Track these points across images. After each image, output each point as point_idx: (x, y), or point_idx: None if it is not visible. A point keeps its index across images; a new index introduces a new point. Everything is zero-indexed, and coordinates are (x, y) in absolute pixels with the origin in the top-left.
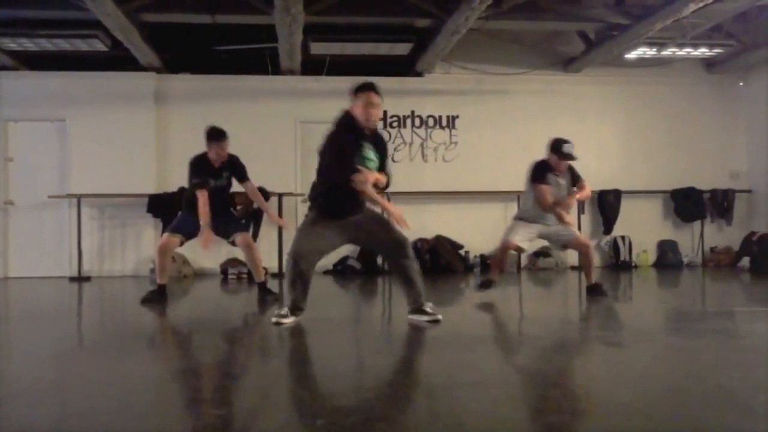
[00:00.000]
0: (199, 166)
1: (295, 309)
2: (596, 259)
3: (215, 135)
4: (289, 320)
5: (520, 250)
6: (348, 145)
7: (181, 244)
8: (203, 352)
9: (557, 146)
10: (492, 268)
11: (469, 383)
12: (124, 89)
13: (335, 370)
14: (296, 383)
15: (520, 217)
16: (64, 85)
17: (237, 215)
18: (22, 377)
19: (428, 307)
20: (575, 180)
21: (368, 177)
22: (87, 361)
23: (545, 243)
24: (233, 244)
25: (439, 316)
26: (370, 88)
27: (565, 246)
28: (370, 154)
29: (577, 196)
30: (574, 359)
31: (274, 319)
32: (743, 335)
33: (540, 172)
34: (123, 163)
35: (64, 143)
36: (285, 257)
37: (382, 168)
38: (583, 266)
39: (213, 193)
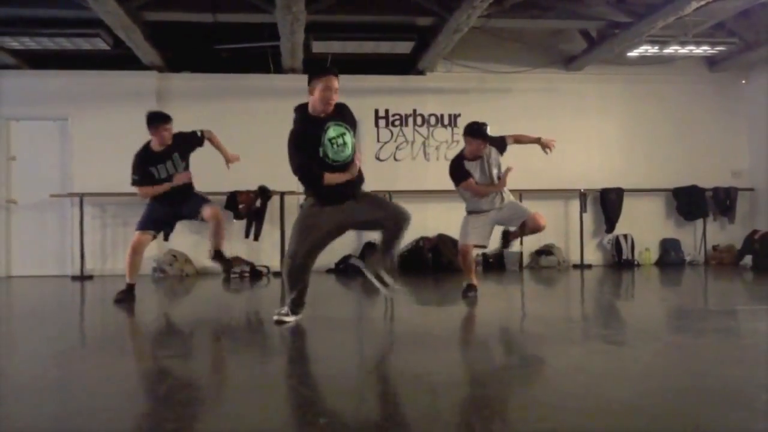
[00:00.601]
0: (140, 160)
1: (296, 307)
2: (599, 258)
3: (153, 119)
4: (290, 319)
5: (482, 247)
6: (303, 148)
7: (153, 238)
8: (204, 351)
9: (465, 130)
10: (465, 275)
11: (471, 382)
12: (126, 88)
13: (338, 369)
14: (298, 382)
15: (469, 211)
16: (66, 83)
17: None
18: (23, 375)
19: (387, 279)
20: (502, 146)
21: (333, 179)
22: (88, 359)
23: (505, 228)
24: (203, 220)
25: (390, 294)
26: (328, 71)
27: (524, 225)
28: (336, 131)
29: (508, 173)
30: (576, 358)
31: (275, 318)
32: (745, 334)
33: (456, 173)
34: (125, 162)
35: (66, 142)
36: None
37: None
38: (521, 231)
39: (171, 180)
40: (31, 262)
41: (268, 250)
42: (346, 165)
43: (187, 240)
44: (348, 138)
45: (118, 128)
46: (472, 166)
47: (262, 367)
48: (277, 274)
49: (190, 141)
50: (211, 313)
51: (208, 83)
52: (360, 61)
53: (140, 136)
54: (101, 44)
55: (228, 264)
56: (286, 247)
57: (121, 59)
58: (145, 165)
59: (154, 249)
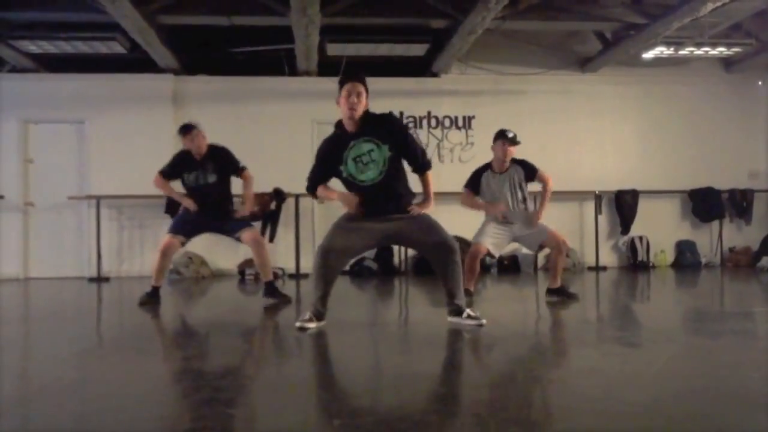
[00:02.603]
0: (178, 157)
1: (318, 313)
2: (614, 260)
3: (180, 130)
4: (312, 325)
5: (490, 255)
6: (324, 164)
7: (182, 245)
8: (221, 352)
9: (497, 135)
10: (466, 277)
11: (487, 384)
12: (142, 91)
13: (352, 371)
14: (313, 383)
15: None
16: (83, 87)
17: (240, 215)
18: (43, 376)
19: (470, 310)
20: (532, 172)
21: (326, 195)
22: (106, 360)
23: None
24: (239, 240)
25: (483, 321)
26: (350, 77)
27: (542, 246)
28: (362, 148)
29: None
30: (592, 360)
31: (298, 324)
32: (763, 336)
33: (469, 178)
34: (141, 164)
35: (83, 145)
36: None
37: (404, 153)
38: (551, 266)
39: (199, 190)
40: (49, 263)
41: (282, 253)
42: (377, 185)
43: (203, 242)
44: (377, 154)
45: (134, 131)
46: (491, 178)
47: (277, 369)
48: (292, 276)
49: (229, 164)
50: (227, 315)
51: (224, 86)
52: (374, 63)
53: (156, 138)
54: (118, 48)
55: (283, 298)
56: (303, 249)
57: (137, 62)
58: (180, 164)
59: None
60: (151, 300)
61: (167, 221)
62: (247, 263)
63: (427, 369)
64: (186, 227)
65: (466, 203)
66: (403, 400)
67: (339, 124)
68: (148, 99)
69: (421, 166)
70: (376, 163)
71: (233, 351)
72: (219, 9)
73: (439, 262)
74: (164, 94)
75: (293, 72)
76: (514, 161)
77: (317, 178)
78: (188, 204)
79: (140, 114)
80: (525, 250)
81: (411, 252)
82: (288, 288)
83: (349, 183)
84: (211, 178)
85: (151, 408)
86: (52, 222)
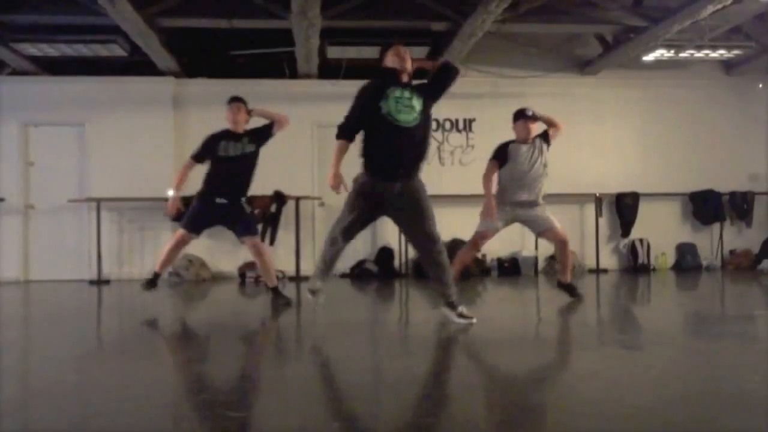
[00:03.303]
0: (211, 135)
1: (323, 275)
2: (614, 262)
3: (228, 100)
4: (319, 285)
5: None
6: (366, 99)
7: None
8: (221, 355)
9: (516, 114)
10: (458, 266)
11: (487, 387)
12: (142, 94)
13: (352, 373)
14: (313, 386)
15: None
16: (83, 89)
17: (249, 213)
18: (43, 379)
19: (461, 307)
20: (546, 137)
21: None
22: (107, 363)
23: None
24: (243, 243)
25: (473, 320)
26: (395, 43)
27: (540, 234)
28: (406, 93)
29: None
30: (592, 363)
31: (309, 288)
32: (763, 339)
33: (495, 150)
34: (142, 167)
35: (83, 147)
36: (326, 235)
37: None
38: (559, 261)
39: (229, 162)
40: (49, 266)
41: (283, 255)
42: (411, 130)
43: (203, 244)
44: (416, 102)
45: (135, 134)
46: (518, 149)
47: (277, 372)
48: (292, 279)
49: (263, 130)
50: (227, 318)
51: (224, 89)
52: (375, 66)
53: (157, 141)
54: (118, 50)
55: (285, 300)
56: (304, 251)
57: (138, 65)
58: (213, 139)
59: None
60: (153, 284)
61: (167, 224)
62: (248, 266)
63: (427, 372)
64: (198, 223)
65: (487, 179)
66: (402, 402)
67: (381, 72)
68: (149, 102)
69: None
70: (413, 109)
71: (233, 354)
72: (219, 12)
73: (422, 251)
74: (165, 97)
75: (294, 75)
76: (535, 135)
77: (355, 119)
78: (171, 208)
79: (141, 117)
80: (525, 253)
81: (411, 255)
82: (288, 291)
83: (385, 123)
84: (249, 148)
85: (151, 411)
86: (53, 225)
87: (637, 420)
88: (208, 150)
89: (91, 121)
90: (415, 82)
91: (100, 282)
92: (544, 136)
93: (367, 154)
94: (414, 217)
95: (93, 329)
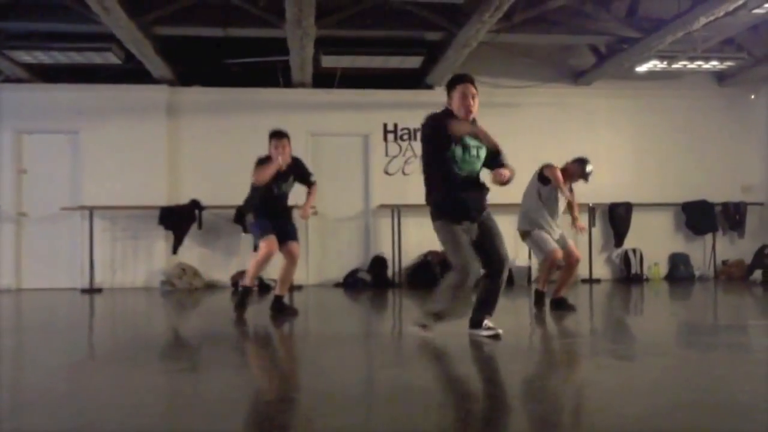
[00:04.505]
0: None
1: (439, 319)
2: (607, 272)
3: (272, 134)
4: (430, 332)
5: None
6: (435, 137)
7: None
8: (213, 364)
9: (583, 164)
10: (547, 282)
11: (479, 397)
12: (136, 102)
13: (344, 384)
14: (304, 396)
15: (540, 227)
16: (77, 97)
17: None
18: (34, 388)
19: (488, 322)
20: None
21: (461, 127)
22: (99, 372)
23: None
24: (283, 245)
25: (499, 331)
26: (465, 79)
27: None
28: (475, 142)
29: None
30: (583, 372)
31: (416, 326)
32: (755, 349)
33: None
34: (135, 176)
35: (77, 155)
36: (452, 274)
37: (492, 159)
38: (562, 277)
39: (281, 198)
40: (42, 274)
41: (276, 264)
42: (472, 181)
43: (196, 253)
44: (483, 153)
45: (128, 142)
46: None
47: (269, 381)
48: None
49: (303, 175)
50: (219, 327)
51: (219, 97)
52: (369, 75)
53: (150, 149)
54: (113, 58)
55: (289, 312)
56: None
57: (132, 73)
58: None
59: (163, 262)
60: (246, 300)
61: (160, 233)
62: (241, 275)
63: (420, 382)
64: (269, 228)
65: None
66: (394, 413)
67: (449, 113)
68: (143, 110)
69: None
70: (479, 160)
71: (225, 364)
72: (214, 20)
73: (488, 270)
74: (159, 105)
75: (288, 83)
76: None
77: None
78: (272, 169)
79: (135, 125)
80: (519, 263)
81: (405, 263)
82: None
83: (447, 168)
84: (290, 187)
85: (142, 421)
86: (46, 233)
87: (628, 429)
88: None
89: (84, 129)
90: (372, 122)
91: (92, 291)
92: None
93: (438, 195)
94: (489, 232)
95: (84, 338)
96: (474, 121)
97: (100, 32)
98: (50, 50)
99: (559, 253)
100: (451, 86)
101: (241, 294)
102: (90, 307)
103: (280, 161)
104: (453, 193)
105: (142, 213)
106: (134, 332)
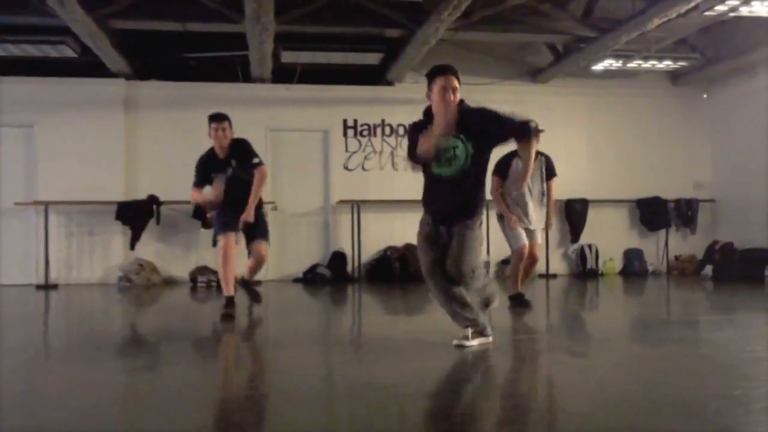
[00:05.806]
0: (200, 162)
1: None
2: (564, 267)
3: (211, 117)
4: (476, 342)
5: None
6: (412, 144)
7: (237, 242)
8: (171, 362)
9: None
10: (516, 282)
11: (435, 393)
12: (93, 95)
13: (304, 381)
14: (262, 393)
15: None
16: (32, 91)
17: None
18: None
19: (467, 333)
20: (551, 172)
21: (426, 146)
22: (53, 370)
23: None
24: (252, 246)
25: (468, 343)
26: (446, 71)
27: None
28: (451, 143)
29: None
30: (537, 369)
31: (456, 342)
32: (702, 344)
33: (499, 163)
34: (91, 170)
35: (31, 150)
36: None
37: (498, 141)
38: (523, 272)
39: (230, 184)
40: None
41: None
42: (455, 183)
43: (154, 248)
44: (461, 151)
45: (85, 136)
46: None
47: (226, 379)
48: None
49: (246, 158)
50: (177, 323)
51: (176, 92)
52: (329, 71)
53: (107, 144)
54: (68, 51)
55: (254, 295)
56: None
57: (88, 66)
58: (206, 168)
59: (120, 257)
60: (231, 311)
61: (118, 228)
62: (199, 271)
63: (379, 378)
64: (228, 224)
65: (495, 195)
66: (353, 409)
67: (428, 112)
68: (99, 104)
69: (521, 136)
70: (457, 160)
71: (184, 361)
72: (172, 14)
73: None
74: (115, 99)
75: (247, 79)
76: (540, 153)
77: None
78: (206, 201)
79: (91, 119)
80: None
81: (364, 259)
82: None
83: (426, 170)
84: (238, 173)
85: (98, 421)
86: None
87: (572, 425)
88: (205, 180)
89: (39, 123)
90: (331, 119)
91: (47, 287)
92: (549, 166)
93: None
94: (458, 245)
95: (39, 335)
96: (465, 114)
97: (55, 25)
98: (4, 42)
99: (526, 249)
100: (431, 78)
101: (246, 291)
102: (45, 304)
103: (210, 198)
104: (427, 195)
105: (98, 208)
106: (90, 329)
